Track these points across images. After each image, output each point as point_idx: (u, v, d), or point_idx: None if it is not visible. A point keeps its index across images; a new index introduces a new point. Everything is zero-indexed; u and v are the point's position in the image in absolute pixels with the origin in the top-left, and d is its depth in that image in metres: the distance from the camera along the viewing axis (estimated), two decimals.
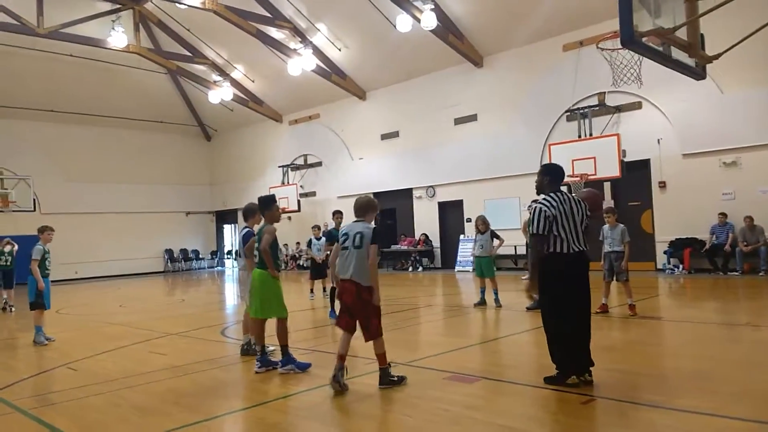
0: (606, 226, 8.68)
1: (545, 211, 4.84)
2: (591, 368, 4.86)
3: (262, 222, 6.27)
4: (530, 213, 5.10)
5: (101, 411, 4.96)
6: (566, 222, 4.84)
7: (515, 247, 16.38)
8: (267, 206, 6.23)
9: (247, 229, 6.86)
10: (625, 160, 14.25)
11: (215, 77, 23.70)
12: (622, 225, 8.63)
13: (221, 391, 5.49)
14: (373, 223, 5.36)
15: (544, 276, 4.98)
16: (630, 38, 5.08)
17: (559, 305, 4.85)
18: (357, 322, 5.16)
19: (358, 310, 5.12)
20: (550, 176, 5.10)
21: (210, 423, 4.54)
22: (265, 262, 5.95)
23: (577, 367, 4.82)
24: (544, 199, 4.96)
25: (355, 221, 5.34)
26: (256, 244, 6.09)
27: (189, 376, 6.07)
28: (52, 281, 8.95)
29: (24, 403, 5.26)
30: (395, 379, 5.17)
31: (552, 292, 4.91)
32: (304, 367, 5.89)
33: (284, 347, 5.94)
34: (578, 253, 4.90)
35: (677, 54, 5.91)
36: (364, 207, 5.33)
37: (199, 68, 23.95)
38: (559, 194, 4.97)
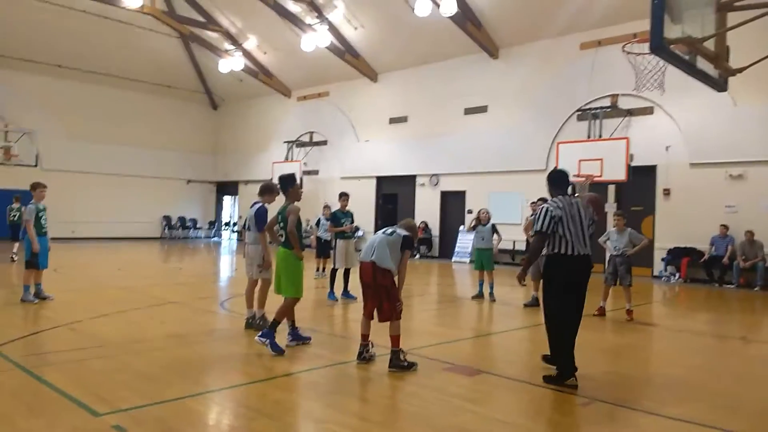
0: (613, 230, 8.70)
1: (551, 211, 5.04)
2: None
3: (285, 201, 6.10)
4: (536, 212, 5.26)
5: (103, 374, 4.98)
6: (571, 224, 5.02)
7: (514, 242, 16.43)
8: (290, 184, 6.12)
9: (259, 205, 6.85)
10: (633, 164, 14.25)
11: (227, 46, 23.49)
12: (630, 229, 8.63)
13: (224, 364, 5.52)
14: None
15: (550, 278, 5.11)
16: (660, 45, 5.06)
17: (564, 307, 4.93)
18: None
19: (372, 290, 5.35)
20: (550, 183, 5.38)
21: (212, 395, 4.58)
22: (291, 242, 5.86)
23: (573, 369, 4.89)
24: (551, 201, 5.22)
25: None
26: (281, 224, 5.99)
27: (191, 346, 6.11)
28: (51, 239, 8.89)
29: (24, 361, 5.28)
30: (405, 364, 5.25)
31: (558, 294, 4.99)
32: (277, 350, 5.66)
33: (275, 322, 5.81)
34: (583, 256, 5.05)
35: (702, 64, 5.91)
36: (408, 226, 5.64)
37: (211, 35, 23.72)
38: (564, 198, 5.19)
